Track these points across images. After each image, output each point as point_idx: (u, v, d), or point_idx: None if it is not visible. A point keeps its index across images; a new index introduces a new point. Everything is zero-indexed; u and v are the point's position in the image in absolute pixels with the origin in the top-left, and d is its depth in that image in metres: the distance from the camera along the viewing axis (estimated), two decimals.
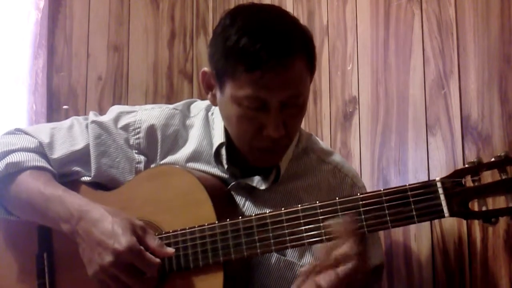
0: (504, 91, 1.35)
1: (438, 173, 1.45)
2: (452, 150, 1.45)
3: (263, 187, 1.32)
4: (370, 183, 1.64)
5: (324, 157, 1.40)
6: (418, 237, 1.52)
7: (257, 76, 1.18)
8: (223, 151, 1.33)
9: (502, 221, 1.31)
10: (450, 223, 1.45)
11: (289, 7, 2.01)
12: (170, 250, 1.22)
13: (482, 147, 1.38)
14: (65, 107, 2.16)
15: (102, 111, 1.51)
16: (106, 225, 1.20)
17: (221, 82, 1.25)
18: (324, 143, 1.48)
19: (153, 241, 1.21)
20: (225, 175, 1.35)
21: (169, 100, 2.31)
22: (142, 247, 1.19)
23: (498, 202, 1.05)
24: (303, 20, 1.94)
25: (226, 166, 1.33)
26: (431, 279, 1.48)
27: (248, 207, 1.33)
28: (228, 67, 1.21)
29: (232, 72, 1.21)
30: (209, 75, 1.29)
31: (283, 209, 1.17)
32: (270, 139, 1.23)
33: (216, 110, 1.37)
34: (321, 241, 1.14)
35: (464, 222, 1.41)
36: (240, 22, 1.21)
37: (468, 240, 1.40)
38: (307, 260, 1.30)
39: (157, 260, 1.19)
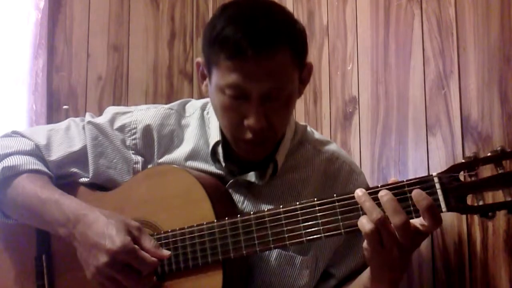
0: (504, 91, 1.35)
1: None
2: (452, 150, 1.45)
3: (261, 182, 1.32)
4: (370, 183, 1.63)
5: (320, 147, 1.40)
6: None
7: (236, 64, 1.19)
8: (220, 149, 1.33)
9: (503, 221, 1.32)
10: (450, 223, 1.44)
11: (289, 7, 2.01)
12: (166, 252, 1.22)
13: (482, 147, 1.38)
14: (65, 107, 2.16)
15: (102, 111, 1.51)
16: (101, 227, 1.20)
17: (209, 72, 1.26)
18: (320, 134, 1.48)
19: (148, 242, 1.20)
20: (223, 173, 1.35)
21: (169, 100, 2.30)
22: (136, 246, 1.18)
23: (498, 197, 1.05)
24: (303, 20, 1.94)
25: (223, 164, 1.33)
26: (431, 279, 1.48)
27: (247, 204, 1.33)
28: (213, 55, 1.23)
29: (216, 60, 1.22)
30: (202, 65, 1.31)
31: (281, 207, 1.17)
32: (251, 130, 1.23)
33: (211, 109, 1.37)
34: (319, 238, 1.14)
35: (464, 222, 1.41)
36: (228, 13, 1.23)
37: (468, 240, 1.40)
38: (308, 253, 1.31)
39: (153, 258, 1.19)
